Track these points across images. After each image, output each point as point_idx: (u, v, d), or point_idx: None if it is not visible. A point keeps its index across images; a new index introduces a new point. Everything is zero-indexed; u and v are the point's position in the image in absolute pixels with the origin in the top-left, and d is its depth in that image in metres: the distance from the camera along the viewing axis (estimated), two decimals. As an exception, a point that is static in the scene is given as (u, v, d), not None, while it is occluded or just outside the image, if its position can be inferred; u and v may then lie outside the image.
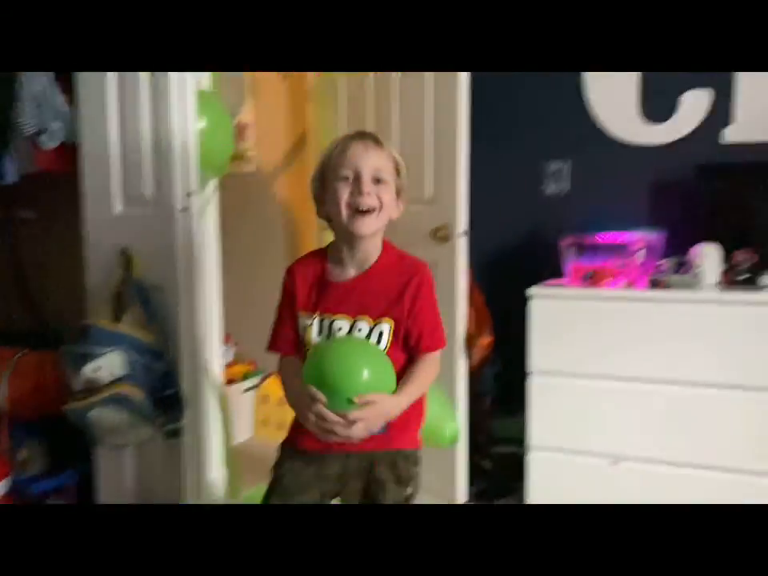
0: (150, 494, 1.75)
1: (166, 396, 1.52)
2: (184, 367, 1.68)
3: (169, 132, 1.64)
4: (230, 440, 2.20)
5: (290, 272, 1.27)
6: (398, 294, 1.20)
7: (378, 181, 1.17)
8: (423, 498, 1.45)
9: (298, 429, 1.24)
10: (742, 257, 1.96)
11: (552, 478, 2.02)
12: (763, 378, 1.81)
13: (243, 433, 2.75)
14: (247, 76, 2.78)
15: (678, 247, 2.04)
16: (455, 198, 2.07)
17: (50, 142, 1.76)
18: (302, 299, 1.22)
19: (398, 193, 1.22)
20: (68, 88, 1.78)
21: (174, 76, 1.63)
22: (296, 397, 1.18)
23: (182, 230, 1.66)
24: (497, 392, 2.34)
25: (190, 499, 1.73)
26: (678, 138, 2.26)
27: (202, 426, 1.78)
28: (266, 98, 2.83)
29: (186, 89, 1.65)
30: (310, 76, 2.62)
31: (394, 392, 1.15)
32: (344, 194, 1.17)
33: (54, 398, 1.70)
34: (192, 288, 1.69)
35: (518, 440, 2.10)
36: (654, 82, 2.25)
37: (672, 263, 2.04)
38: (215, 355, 1.98)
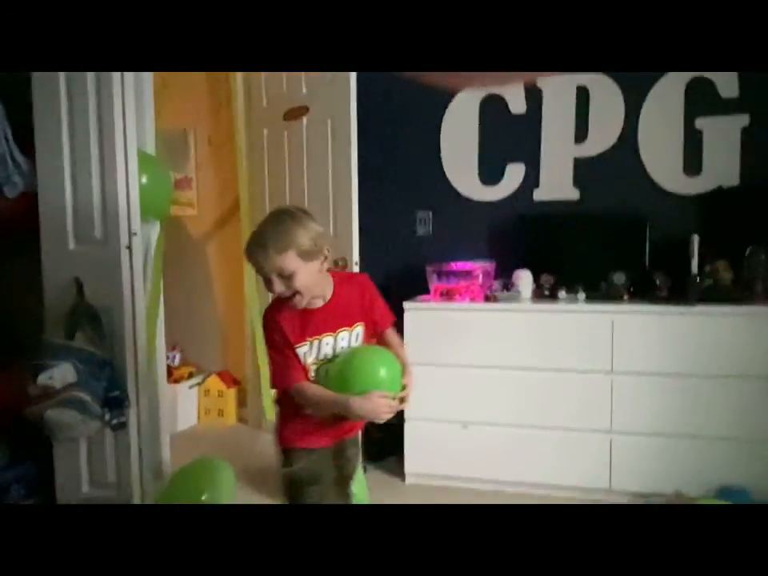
0: (101, 477, 1.59)
1: (111, 397, 1.41)
2: (129, 372, 1.54)
3: (114, 184, 1.50)
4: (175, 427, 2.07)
5: (274, 320, 1.13)
6: (359, 303, 1.16)
7: (286, 276, 1.04)
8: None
9: (302, 432, 1.16)
10: (545, 279, 2.05)
11: (422, 440, 2.00)
12: (565, 362, 1.87)
13: (191, 420, 2.59)
14: (191, 139, 2.65)
15: (504, 272, 2.09)
16: (350, 236, 2.05)
17: (12, 192, 1.57)
18: (294, 337, 1.12)
19: (320, 250, 1.08)
20: (28, 146, 1.58)
21: (119, 139, 1.49)
22: (342, 404, 1.07)
23: (126, 262, 1.53)
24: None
25: (136, 481, 1.59)
26: (504, 197, 2.29)
27: (145, 418, 1.64)
28: (203, 157, 2.71)
29: (128, 150, 1.52)
30: (240, 136, 2.51)
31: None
32: (269, 287, 1.07)
33: (16, 404, 1.52)
34: (135, 310, 1.56)
35: (399, 414, 2.09)
36: (486, 156, 2.30)
37: (500, 284, 2.07)
38: (159, 361, 1.87)
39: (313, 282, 1.08)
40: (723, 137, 2.09)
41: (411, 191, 2.41)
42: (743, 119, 2.06)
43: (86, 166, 1.51)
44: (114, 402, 1.41)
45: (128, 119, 1.51)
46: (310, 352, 1.13)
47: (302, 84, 2.22)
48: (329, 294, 1.14)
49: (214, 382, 2.59)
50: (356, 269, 2.04)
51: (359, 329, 1.17)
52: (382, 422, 1.09)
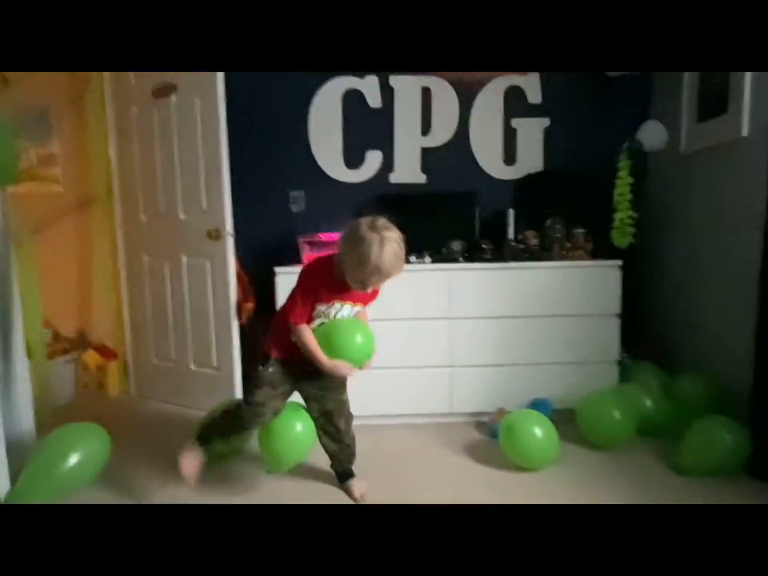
0: None
1: None
2: None
3: None
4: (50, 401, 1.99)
5: (316, 278, 1.45)
6: (371, 294, 1.52)
7: None
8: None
9: (281, 348, 1.52)
10: None
11: None
12: (412, 312, 2.13)
13: (67, 395, 2.49)
14: (52, 113, 2.54)
15: None
16: (223, 209, 2.14)
17: None
18: (324, 298, 1.45)
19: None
20: None
21: None
22: (318, 358, 1.44)
23: None
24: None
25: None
26: (366, 179, 2.57)
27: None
28: (70, 134, 2.59)
29: None
30: (109, 113, 2.48)
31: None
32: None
33: None
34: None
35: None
36: (349, 143, 2.54)
37: None
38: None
39: None
40: (531, 134, 2.62)
41: (285, 172, 2.58)
42: (545, 121, 2.61)
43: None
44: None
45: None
46: (330, 311, 1.47)
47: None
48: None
49: (91, 357, 2.52)
50: (230, 240, 2.17)
51: (359, 306, 1.55)
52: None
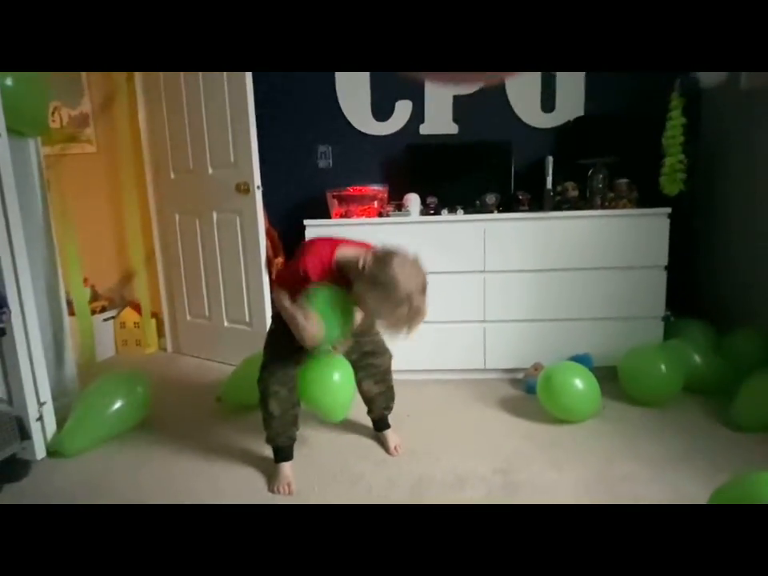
0: None
1: None
2: (8, 281, 1.40)
3: None
4: (93, 356, 2.04)
5: (314, 263, 1.23)
6: None
7: None
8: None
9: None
10: (431, 200, 2.20)
11: None
12: (447, 265, 2.03)
13: (108, 352, 2.56)
14: (83, 76, 2.50)
15: (396, 196, 2.24)
16: (251, 163, 2.08)
17: None
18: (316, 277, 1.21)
19: None
20: None
21: None
22: (296, 327, 1.19)
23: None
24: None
25: (30, 394, 1.45)
26: (395, 131, 2.44)
27: (33, 326, 1.48)
28: (100, 95, 2.55)
29: None
30: (139, 77, 2.42)
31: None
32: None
33: None
34: (8, 220, 1.41)
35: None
36: (377, 94, 2.41)
37: (393, 206, 2.20)
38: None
39: None
40: (571, 79, 2.41)
41: (312, 127, 2.48)
42: (587, 64, 2.39)
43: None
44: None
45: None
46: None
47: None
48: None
49: (129, 314, 2.56)
50: (258, 193, 2.11)
51: None
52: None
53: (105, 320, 2.52)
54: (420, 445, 1.60)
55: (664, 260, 2.04)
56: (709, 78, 2.03)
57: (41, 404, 1.51)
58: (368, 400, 1.60)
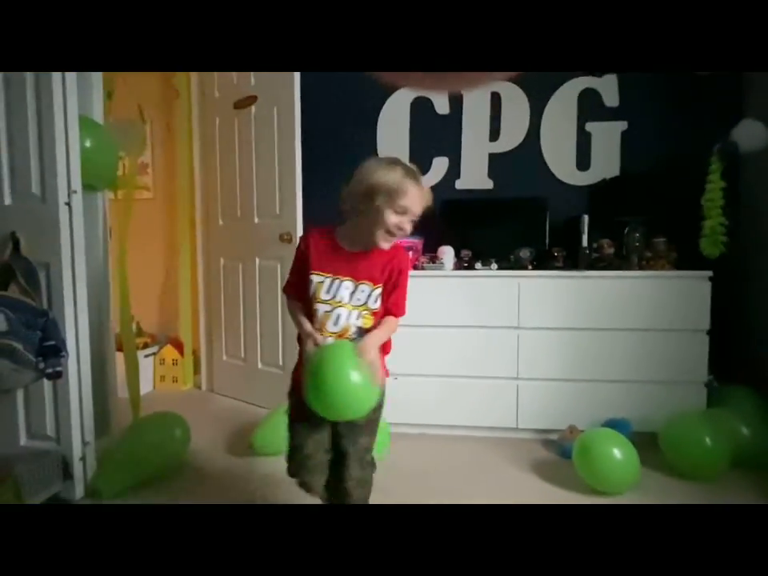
0: (40, 428, 1.51)
1: (46, 346, 1.35)
2: (68, 325, 1.46)
3: (53, 141, 1.41)
4: (137, 390, 2.08)
5: (305, 239, 1.12)
6: (389, 269, 1.09)
7: (414, 217, 1.08)
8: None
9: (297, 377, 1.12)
10: (464, 253, 2.22)
11: None
12: (480, 320, 2.02)
13: (147, 387, 2.61)
14: (147, 126, 2.70)
15: (431, 248, 2.24)
16: (295, 215, 2.17)
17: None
18: (315, 262, 1.09)
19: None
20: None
21: (57, 98, 1.40)
22: (306, 334, 1.08)
23: (65, 219, 1.45)
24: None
25: (76, 433, 1.48)
26: (432, 185, 2.40)
27: (86, 369, 1.53)
28: (160, 144, 2.75)
29: (68, 110, 1.44)
30: (195, 123, 2.59)
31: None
32: (391, 221, 1.05)
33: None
34: (75, 266, 1.48)
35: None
36: (416, 149, 2.48)
37: (427, 258, 2.20)
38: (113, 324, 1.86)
39: None
40: (607, 138, 2.44)
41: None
42: (623, 124, 2.43)
43: (23, 121, 1.43)
44: (50, 351, 1.35)
45: (67, 80, 1.45)
46: (325, 286, 1.08)
47: (250, 74, 2.33)
48: (371, 246, 1.09)
49: (169, 351, 2.63)
50: (300, 242, 2.19)
51: (378, 291, 1.10)
52: None
53: (146, 356, 2.60)
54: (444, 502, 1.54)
55: (706, 324, 1.96)
56: (748, 144, 2.02)
57: (85, 444, 1.54)
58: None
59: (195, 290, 2.70)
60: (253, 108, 2.33)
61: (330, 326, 1.10)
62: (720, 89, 2.31)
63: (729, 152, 2.07)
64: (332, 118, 2.58)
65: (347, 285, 1.09)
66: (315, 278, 1.09)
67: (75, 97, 1.48)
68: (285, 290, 1.19)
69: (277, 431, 1.82)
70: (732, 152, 2.08)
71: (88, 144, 1.61)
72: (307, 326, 1.10)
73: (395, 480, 1.64)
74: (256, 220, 2.38)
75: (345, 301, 1.09)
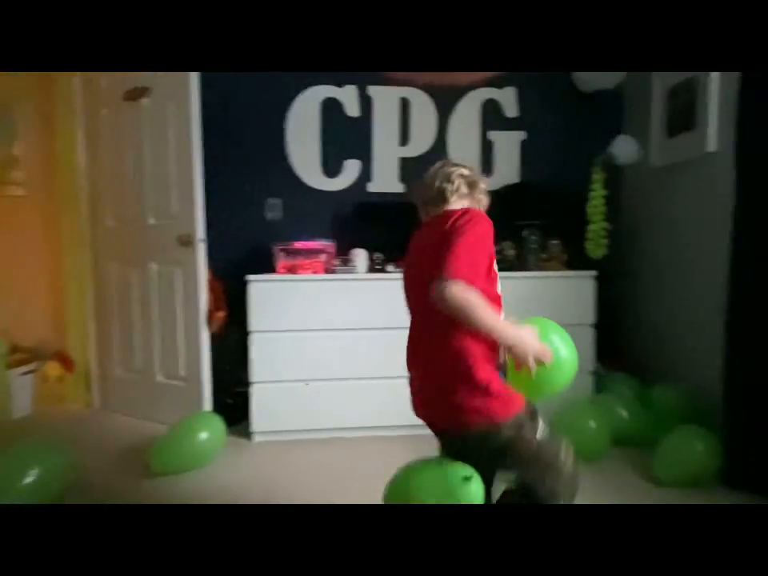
0: None
1: None
2: None
3: None
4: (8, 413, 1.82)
5: (491, 228, 1.03)
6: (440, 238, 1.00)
7: None
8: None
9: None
10: (377, 256, 2.20)
11: (268, 401, 2.02)
12: (390, 321, 2.00)
13: (24, 409, 2.30)
14: (17, 116, 2.39)
15: (343, 250, 2.22)
16: (193, 216, 2.02)
17: None
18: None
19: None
20: None
21: None
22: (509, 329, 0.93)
23: None
24: (237, 348, 2.17)
25: None
26: (343, 188, 2.48)
27: None
28: (35, 136, 2.44)
29: None
30: (78, 115, 2.33)
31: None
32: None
33: None
34: None
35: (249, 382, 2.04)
36: (327, 153, 2.46)
37: (340, 260, 2.17)
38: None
39: None
40: (508, 147, 2.60)
41: (261, 180, 2.47)
42: (522, 134, 2.59)
43: None
44: None
45: None
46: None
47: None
48: None
49: (52, 368, 2.33)
50: (201, 246, 2.04)
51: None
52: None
53: (23, 374, 2.28)
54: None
55: (591, 318, 2.16)
56: (623, 156, 2.26)
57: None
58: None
59: (82, 298, 2.42)
60: (145, 100, 2.14)
61: None
62: (605, 106, 2.56)
63: (609, 163, 2.30)
64: (237, 116, 2.46)
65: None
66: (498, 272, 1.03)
67: None
68: (465, 275, 0.91)
69: (177, 448, 1.69)
70: (612, 164, 2.31)
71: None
72: (508, 323, 0.94)
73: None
74: (151, 221, 2.19)
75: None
